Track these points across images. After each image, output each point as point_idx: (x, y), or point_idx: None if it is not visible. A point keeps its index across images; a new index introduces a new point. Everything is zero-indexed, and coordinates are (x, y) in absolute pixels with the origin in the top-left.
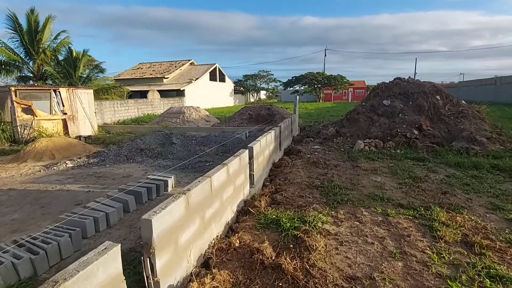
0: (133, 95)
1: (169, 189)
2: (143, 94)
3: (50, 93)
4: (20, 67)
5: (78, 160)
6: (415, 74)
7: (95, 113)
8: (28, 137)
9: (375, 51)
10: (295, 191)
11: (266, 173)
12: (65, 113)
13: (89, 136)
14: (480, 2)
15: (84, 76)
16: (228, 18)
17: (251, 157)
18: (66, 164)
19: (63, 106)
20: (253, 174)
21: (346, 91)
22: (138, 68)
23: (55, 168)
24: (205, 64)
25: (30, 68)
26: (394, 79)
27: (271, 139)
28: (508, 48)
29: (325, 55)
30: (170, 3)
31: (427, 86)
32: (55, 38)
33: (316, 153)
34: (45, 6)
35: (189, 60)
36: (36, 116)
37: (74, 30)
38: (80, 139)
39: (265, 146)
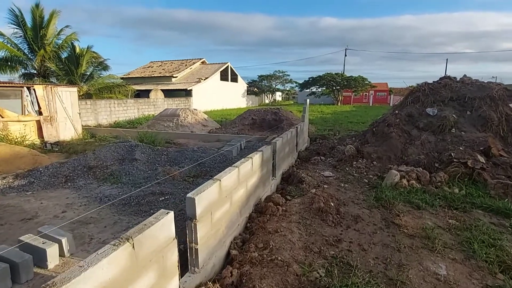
0: (141, 94)
1: (49, 264)
2: None
3: (22, 91)
4: (24, 63)
5: (1, 181)
6: None
7: (79, 113)
8: None
9: (396, 53)
10: None
11: (237, 229)
12: (41, 114)
13: (56, 143)
14: (510, 3)
15: (88, 74)
16: (247, 19)
17: (192, 217)
18: None
19: (39, 106)
20: (196, 249)
21: (367, 93)
22: (148, 67)
23: None
24: (216, 63)
25: (34, 65)
26: (441, 78)
27: (256, 166)
28: None
29: (345, 55)
30: (191, 5)
31: (494, 89)
32: (59, 34)
33: (325, 185)
34: (73, 7)
35: (200, 59)
36: (2, 117)
37: (99, 30)
38: (45, 146)
39: (236, 183)
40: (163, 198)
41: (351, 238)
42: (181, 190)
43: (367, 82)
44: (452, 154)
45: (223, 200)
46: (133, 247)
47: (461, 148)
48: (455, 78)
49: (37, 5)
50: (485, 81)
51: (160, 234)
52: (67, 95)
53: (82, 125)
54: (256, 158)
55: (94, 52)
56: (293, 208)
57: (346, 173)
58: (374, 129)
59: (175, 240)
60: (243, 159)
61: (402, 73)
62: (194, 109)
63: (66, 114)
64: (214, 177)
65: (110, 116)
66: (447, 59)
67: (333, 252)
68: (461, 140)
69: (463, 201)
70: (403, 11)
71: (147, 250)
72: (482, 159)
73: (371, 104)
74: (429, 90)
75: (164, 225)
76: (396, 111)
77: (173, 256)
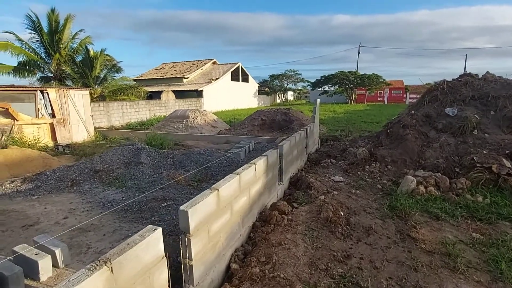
0: (153, 95)
1: (42, 276)
2: None
3: (36, 94)
4: (41, 67)
5: (9, 185)
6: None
7: (91, 116)
8: (5, 144)
9: (412, 49)
10: None
11: (239, 240)
12: (54, 117)
13: (68, 145)
14: None
15: (102, 76)
16: (257, 19)
17: (185, 231)
18: None
19: (52, 109)
20: (191, 266)
21: (382, 91)
22: (160, 68)
23: None
24: (227, 64)
25: (51, 69)
26: (461, 76)
27: (260, 172)
28: None
29: (359, 53)
30: (200, 6)
31: None
32: (73, 37)
33: (335, 192)
34: (89, 12)
35: (211, 60)
36: (17, 120)
37: (113, 34)
38: (57, 148)
39: (237, 191)
40: (165, 204)
41: (362, 253)
42: (185, 196)
43: (382, 80)
44: (475, 158)
45: (222, 210)
46: (112, 271)
47: (484, 151)
48: (476, 75)
49: (52, 10)
50: (510, 78)
51: (145, 254)
52: (80, 97)
53: (95, 127)
54: (260, 163)
55: (107, 55)
56: (300, 217)
57: (358, 178)
58: (388, 131)
59: (165, 259)
60: (245, 165)
61: (418, 70)
62: (204, 110)
63: (78, 116)
64: (212, 186)
65: (122, 117)
66: (466, 55)
67: (342, 270)
68: (485, 142)
69: (487, 211)
70: (418, 6)
71: (130, 273)
72: (508, 163)
73: (386, 103)
74: (448, 88)
75: (150, 244)
76: (412, 111)
77: (162, 276)
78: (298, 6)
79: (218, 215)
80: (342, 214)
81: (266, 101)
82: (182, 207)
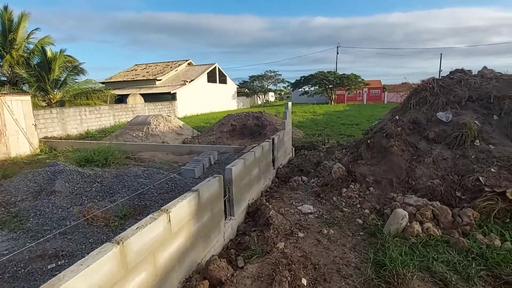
0: (123, 99)
1: None
2: None
3: None
4: None
5: None
6: (440, 72)
7: (35, 125)
8: None
9: (388, 50)
10: None
11: None
12: None
13: None
14: None
15: (61, 79)
16: (239, 21)
17: None
18: None
19: None
20: None
21: (361, 91)
22: (132, 70)
23: None
24: (203, 65)
25: (4, 72)
26: (452, 72)
27: (184, 217)
28: None
29: (337, 53)
30: (180, 8)
31: None
32: (28, 37)
33: (300, 233)
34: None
35: (186, 61)
36: None
37: (92, 36)
38: None
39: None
40: (54, 265)
41: None
42: (89, 247)
43: (360, 79)
44: (481, 178)
45: (128, 275)
46: None
47: (492, 169)
48: (470, 71)
49: (5, 8)
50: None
51: None
52: (18, 104)
53: (45, 137)
54: (181, 207)
55: (68, 56)
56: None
57: (332, 206)
58: (369, 141)
59: None
60: (149, 217)
61: (395, 69)
62: (168, 116)
63: (18, 126)
64: (115, 239)
65: (81, 125)
66: (441, 54)
67: None
68: (491, 156)
69: (508, 259)
70: (392, 9)
71: None
72: None
73: (365, 102)
74: (439, 88)
75: None
76: (397, 117)
77: None
78: (278, 9)
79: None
80: (305, 283)
81: (246, 102)
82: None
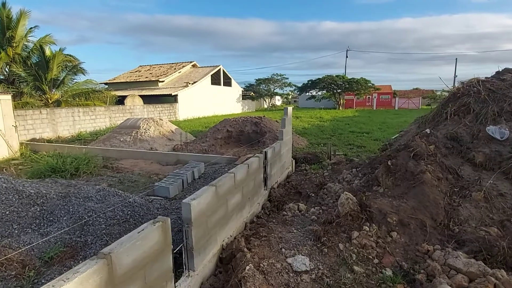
0: (124, 100)
1: None
2: None
3: None
4: None
5: None
6: (455, 78)
7: (15, 126)
8: None
9: (398, 56)
10: None
11: None
12: None
13: None
14: (508, 4)
15: (60, 79)
16: (247, 25)
17: None
18: None
19: None
20: None
21: (370, 96)
22: (136, 71)
23: None
24: (207, 67)
25: (1, 70)
26: (499, 73)
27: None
28: None
29: (347, 57)
30: (191, 11)
31: None
32: (26, 35)
33: None
34: (76, 15)
35: (191, 62)
36: None
37: (103, 37)
38: None
39: None
40: None
41: None
42: None
43: (371, 84)
44: None
45: None
46: None
47: None
48: None
49: (3, 4)
50: None
51: None
52: None
53: (33, 139)
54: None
55: (69, 55)
56: None
57: (338, 258)
58: (389, 162)
59: None
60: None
61: (405, 75)
62: (159, 119)
63: None
64: None
65: (73, 126)
66: (456, 59)
67: None
68: None
69: None
70: (402, 14)
71: None
72: None
73: (375, 108)
74: (488, 92)
75: None
76: (428, 130)
77: None
78: (287, 13)
79: None
80: None
81: (252, 106)
82: None
